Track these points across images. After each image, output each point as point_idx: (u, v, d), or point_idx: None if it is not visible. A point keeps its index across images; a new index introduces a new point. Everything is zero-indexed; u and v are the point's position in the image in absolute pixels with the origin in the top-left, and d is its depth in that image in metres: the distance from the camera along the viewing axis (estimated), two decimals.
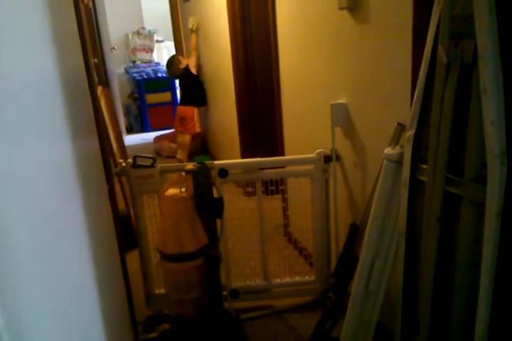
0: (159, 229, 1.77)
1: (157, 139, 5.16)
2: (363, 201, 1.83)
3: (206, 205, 1.70)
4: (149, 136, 5.58)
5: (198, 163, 1.74)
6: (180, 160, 4.54)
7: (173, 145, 4.79)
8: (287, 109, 2.60)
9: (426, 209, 1.34)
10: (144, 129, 6.09)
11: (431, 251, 1.36)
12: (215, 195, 1.77)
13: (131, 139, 5.76)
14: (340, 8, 1.77)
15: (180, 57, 4.64)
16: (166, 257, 1.73)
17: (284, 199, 2.35)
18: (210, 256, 1.74)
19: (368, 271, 1.64)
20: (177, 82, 4.99)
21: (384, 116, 1.66)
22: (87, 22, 3.79)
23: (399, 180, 1.51)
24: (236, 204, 2.14)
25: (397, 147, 1.52)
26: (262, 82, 3.26)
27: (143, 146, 5.40)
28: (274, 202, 2.45)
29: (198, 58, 4.57)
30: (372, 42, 1.66)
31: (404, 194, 1.44)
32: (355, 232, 1.74)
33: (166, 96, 5.87)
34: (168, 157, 4.83)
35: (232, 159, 3.87)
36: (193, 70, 4.49)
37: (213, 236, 1.78)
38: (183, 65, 4.52)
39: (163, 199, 1.72)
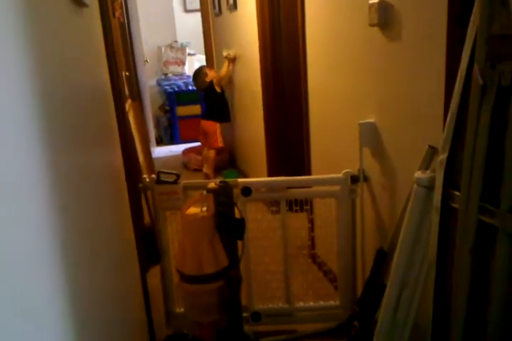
0: (179, 248, 1.74)
1: (185, 152, 5.17)
2: (391, 225, 1.75)
3: (227, 226, 1.65)
4: (178, 148, 5.60)
5: (220, 182, 1.70)
6: (206, 175, 4.53)
7: (200, 158, 4.79)
8: (315, 125, 2.54)
9: (458, 239, 1.26)
10: (173, 141, 6.12)
11: (463, 284, 1.27)
12: (237, 214, 1.73)
13: (160, 151, 5.80)
14: (371, 25, 1.72)
15: (207, 70, 4.61)
16: (184, 278, 1.68)
17: (309, 220, 2.28)
18: (230, 277, 1.68)
19: (395, 299, 1.56)
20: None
21: (415, 137, 1.59)
22: (120, 35, 3.87)
23: (430, 205, 1.43)
24: (259, 224, 2.09)
25: (428, 171, 1.44)
26: (290, 98, 3.21)
27: (171, 158, 5.42)
28: (299, 221, 2.39)
29: (225, 80, 4.49)
30: (403, 61, 1.59)
31: (435, 221, 1.36)
32: (383, 258, 1.66)
33: (196, 109, 5.90)
34: (195, 170, 4.82)
35: (259, 174, 3.87)
36: (217, 88, 4.45)
37: (234, 257, 1.73)
38: (208, 78, 4.48)
39: (184, 217, 1.68)
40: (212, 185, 1.68)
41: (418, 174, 1.45)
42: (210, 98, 4.56)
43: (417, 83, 1.53)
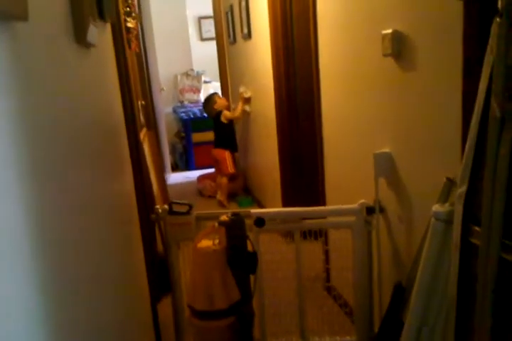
0: (190, 282, 1.70)
1: (200, 178, 5.17)
2: (409, 259, 1.69)
3: (239, 260, 1.61)
4: (193, 175, 5.61)
5: (233, 214, 1.67)
6: (219, 202, 4.50)
7: (215, 184, 4.78)
8: (329, 155, 2.51)
9: (480, 278, 1.20)
10: (188, 167, 6.14)
11: (485, 324, 1.20)
12: (250, 248, 1.68)
13: (175, 177, 5.81)
14: (385, 55, 1.71)
15: (217, 97, 4.64)
16: (195, 313, 1.63)
17: (324, 251, 2.23)
18: (242, 313, 1.63)
19: (414, 338, 1.49)
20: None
21: (432, 168, 1.54)
22: (137, 65, 3.93)
23: (448, 240, 1.37)
24: (273, 255, 2.04)
25: (447, 204, 1.39)
26: (304, 127, 3.20)
27: (186, 185, 5.42)
28: (314, 252, 2.33)
29: (238, 119, 4.50)
30: (418, 91, 1.57)
31: (455, 258, 1.30)
32: (400, 294, 1.60)
33: (211, 136, 5.89)
34: (210, 196, 4.81)
35: (273, 201, 3.83)
36: (223, 119, 4.46)
37: (247, 292, 1.68)
38: (217, 106, 4.51)
39: (196, 251, 1.65)
40: (224, 217, 1.65)
41: (436, 207, 1.40)
42: (218, 127, 4.60)
43: (432, 113, 1.50)
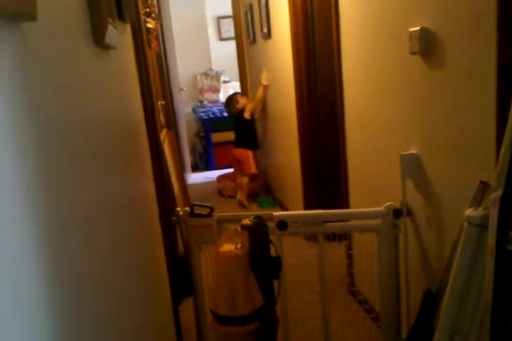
0: (212, 287, 1.66)
1: (220, 178, 5.15)
2: (439, 265, 1.63)
3: (262, 264, 1.57)
4: (213, 175, 5.60)
5: (255, 218, 1.63)
6: (239, 202, 4.48)
7: (234, 185, 4.75)
8: (353, 155, 2.46)
9: None
10: (208, 167, 6.13)
11: None
12: (273, 252, 1.64)
13: (196, 177, 5.81)
14: (412, 53, 1.65)
15: (239, 97, 4.62)
16: (218, 318, 1.60)
17: (348, 255, 2.17)
18: (266, 319, 1.59)
19: None
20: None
21: (463, 171, 1.48)
22: (157, 65, 3.93)
23: (483, 246, 1.31)
24: (296, 259, 2.00)
25: (481, 208, 1.33)
26: (326, 127, 3.15)
27: (207, 185, 5.41)
28: (338, 255, 2.28)
29: (257, 108, 4.47)
30: (448, 90, 1.51)
31: (489, 264, 1.25)
32: (431, 301, 1.54)
33: (230, 135, 5.88)
34: (230, 197, 4.78)
35: (294, 202, 3.78)
36: (246, 115, 4.43)
37: (270, 297, 1.64)
38: (239, 106, 4.49)
39: (218, 255, 1.61)
40: (246, 221, 1.61)
41: (469, 211, 1.34)
42: (240, 125, 4.57)
43: (464, 113, 1.44)
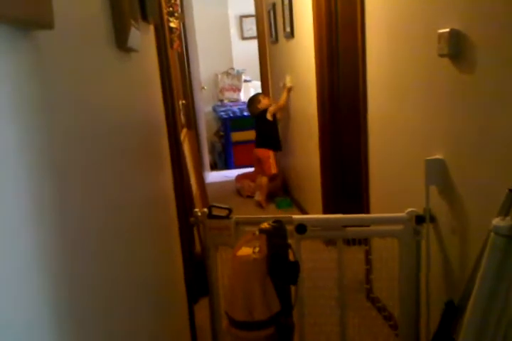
0: (229, 291, 1.64)
1: (238, 178, 5.14)
2: (462, 274, 1.58)
3: (280, 269, 1.54)
4: (232, 174, 5.59)
5: (274, 222, 1.60)
6: (257, 202, 4.45)
7: (253, 184, 4.73)
8: (375, 159, 2.41)
9: None
10: (227, 166, 6.12)
11: None
12: (291, 257, 1.62)
13: (214, 176, 5.81)
14: (441, 56, 1.60)
15: (261, 97, 4.58)
16: (234, 323, 1.58)
17: (367, 261, 2.13)
18: (282, 325, 1.56)
19: None
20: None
21: (490, 178, 1.43)
22: (179, 65, 3.93)
23: (510, 257, 1.26)
24: (315, 264, 1.96)
25: (509, 218, 1.28)
26: (348, 129, 3.10)
27: (225, 184, 5.40)
28: (357, 260, 2.24)
29: (280, 109, 4.42)
30: (478, 95, 1.45)
31: None
32: (453, 313, 1.49)
33: (250, 135, 5.87)
34: (248, 196, 4.77)
35: (312, 204, 3.74)
36: (269, 116, 4.39)
37: (287, 303, 1.61)
38: (261, 106, 4.45)
39: (235, 259, 1.59)
40: (265, 225, 1.58)
41: (497, 221, 1.29)
42: (261, 126, 4.53)
43: (493, 119, 1.39)
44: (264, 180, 4.46)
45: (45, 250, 0.56)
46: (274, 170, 4.47)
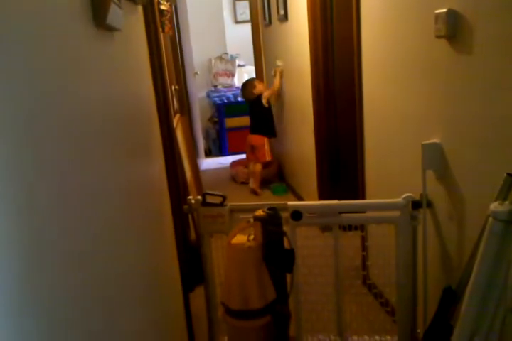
0: (224, 279, 1.62)
1: (233, 164, 5.10)
2: (460, 260, 1.56)
3: (276, 257, 1.52)
4: (227, 160, 5.55)
5: (269, 209, 1.57)
6: (252, 190, 4.42)
7: (247, 171, 4.69)
8: (370, 144, 2.37)
9: None
10: (222, 153, 6.08)
11: None
12: (286, 244, 1.59)
13: (209, 163, 5.77)
14: (438, 37, 1.55)
15: (256, 82, 4.49)
16: (229, 312, 1.56)
17: (363, 247, 2.11)
18: (278, 313, 1.55)
19: None
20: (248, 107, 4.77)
21: (489, 162, 1.40)
22: (171, 49, 3.85)
23: (508, 242, 1.24)
24: (310, 250, 1.94)
25: (507, 203, 1.25)
26: (343, 114, 3.06)
27: (220, 171, 5.36)
28: (353, 246, 2.22)
29: (274, 94, 4.36)
30: (475, 77, 1.42)
31: None
32: (451, 298, 1.48)
33: (244, 121, 5.80)
34: (243, 183, 4.73)
35: (308, 190, 3.72)
36: (264, 101, 4.33)
37: (282, 291, 1.59)
38: (256, 91, 4.36)
39: (230, 247, 1.57)
40: (260, 212, 1.56)
41: (495, 206, 1.26)
42: (256, 112, 4.46)
43: (492, 102, 1.36)
44: (257, 167, 4.42)
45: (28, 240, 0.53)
46: (268, 158, 4.43)
